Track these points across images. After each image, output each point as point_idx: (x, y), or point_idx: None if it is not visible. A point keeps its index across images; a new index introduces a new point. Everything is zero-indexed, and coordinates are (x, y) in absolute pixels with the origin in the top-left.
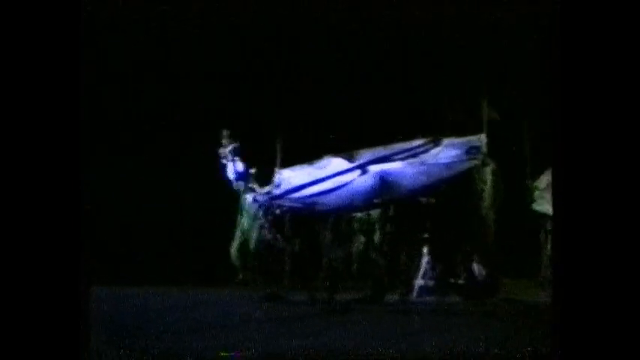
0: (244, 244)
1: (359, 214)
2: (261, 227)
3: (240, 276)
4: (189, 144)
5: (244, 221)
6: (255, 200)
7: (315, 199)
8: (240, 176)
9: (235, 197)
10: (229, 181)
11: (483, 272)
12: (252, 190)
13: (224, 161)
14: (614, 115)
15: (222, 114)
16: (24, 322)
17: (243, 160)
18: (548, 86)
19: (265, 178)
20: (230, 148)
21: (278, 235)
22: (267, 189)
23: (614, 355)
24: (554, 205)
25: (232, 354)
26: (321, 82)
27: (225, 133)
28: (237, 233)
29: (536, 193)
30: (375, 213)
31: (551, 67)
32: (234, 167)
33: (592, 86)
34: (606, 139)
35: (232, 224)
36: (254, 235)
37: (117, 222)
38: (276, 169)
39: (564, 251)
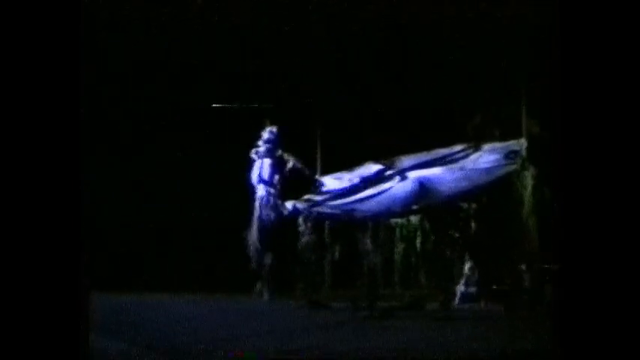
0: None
1: (399, 220)
2: (302, 234)
3: (301, 285)
4: (194, 146)
5: (277, 228)
6: (295, 208)
7: (354, 205)
8: (274, 182)
9: (237, 200)
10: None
11: (528, 278)
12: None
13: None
14: (616, 116)
15: (233, 115)
16: (22, 330)
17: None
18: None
19: (306, 185)
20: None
21: (319, 242)
22: (307, 196)
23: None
24: (555, 205)
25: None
26: (359, 88)
27: (268, 135)
28: (273, 241)
29: None
30: (415, 219)
31: (551, 67)
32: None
33: (593, 86)
34: (608, 138)
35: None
36: (299, 243)
37: (119, 227)
38: (317, 176)
39: (565, 251)
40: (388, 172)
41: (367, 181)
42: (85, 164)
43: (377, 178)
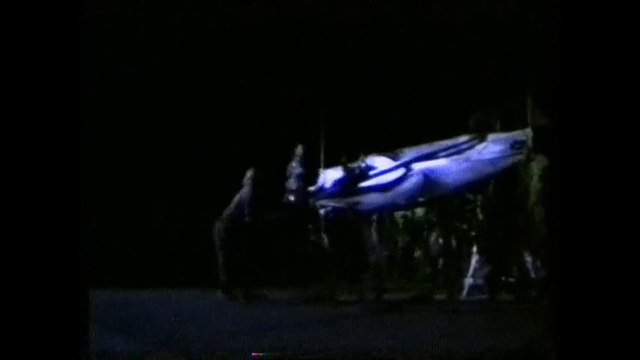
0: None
1: (404, 213)
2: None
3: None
4: (191, 145)
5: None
6: (298, 202)
7: (359, 198)
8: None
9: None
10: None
11: (536, 270)
12: None
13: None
14: (616, 114)
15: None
16: (21, 328)
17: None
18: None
19: (309, 178)
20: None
21: (323, 236)
22: (310, 189)
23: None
24: (552, 203)
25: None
26: (363, 79)
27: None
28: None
29: None
30: (420, 211)
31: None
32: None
33: (594, 84)
34: (608, 137)
35: None
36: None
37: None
38: (320, 169)
39: (562, 249)
40: (392, 164)
41: (372, 174)
42: (85, 166)
43: (382, 170)
